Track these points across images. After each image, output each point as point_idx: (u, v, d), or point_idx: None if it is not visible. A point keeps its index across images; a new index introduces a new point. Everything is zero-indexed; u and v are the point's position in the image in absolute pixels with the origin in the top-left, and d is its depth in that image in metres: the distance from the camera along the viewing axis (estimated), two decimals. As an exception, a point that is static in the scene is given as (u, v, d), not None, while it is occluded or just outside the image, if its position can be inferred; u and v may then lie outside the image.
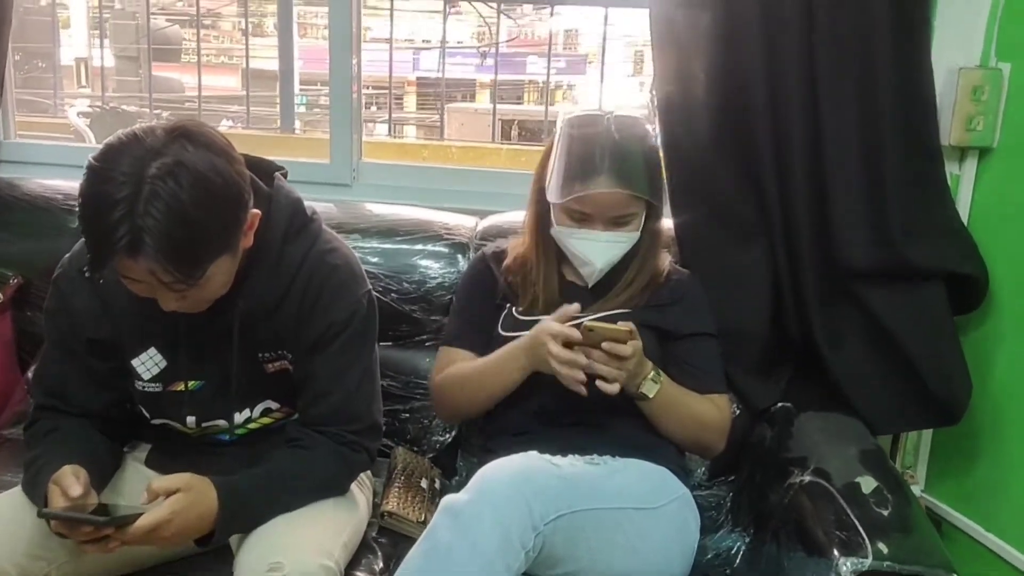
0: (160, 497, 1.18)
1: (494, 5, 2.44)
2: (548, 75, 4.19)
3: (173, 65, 5.64)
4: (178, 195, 1.08)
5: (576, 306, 1.43)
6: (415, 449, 1.77)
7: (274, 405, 1.42)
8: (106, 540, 1.14)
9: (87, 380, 1.35)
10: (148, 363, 1.33)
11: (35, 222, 1.93)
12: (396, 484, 1.59)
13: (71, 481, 1.16)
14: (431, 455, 1.77)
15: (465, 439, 1.78)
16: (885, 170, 1.62)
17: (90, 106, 2.90)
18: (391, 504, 1.53)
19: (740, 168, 1.68)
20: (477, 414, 1.58)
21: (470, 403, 1.56)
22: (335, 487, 1.38)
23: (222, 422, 1.39)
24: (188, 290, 1.15)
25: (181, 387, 1.35)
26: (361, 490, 1.49)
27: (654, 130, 1.58)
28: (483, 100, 7.35)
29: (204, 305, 1.24)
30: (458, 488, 1.62)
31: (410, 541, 1.46)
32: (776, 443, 1.60)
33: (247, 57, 3.13)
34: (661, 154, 1.57)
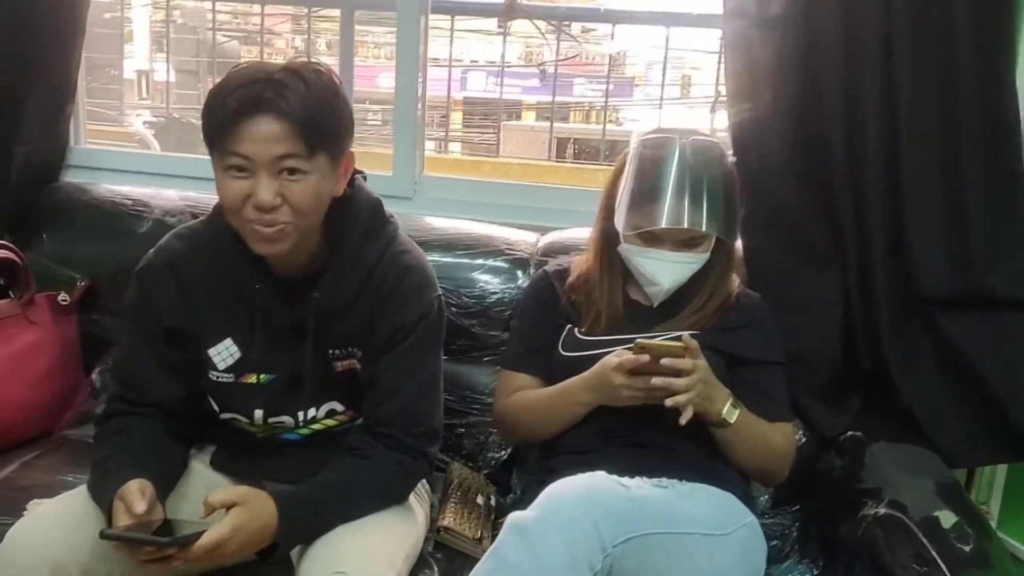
0: (218, 511, 1.17)
1: (552, 24, 2.44)
2: (607, 94, 4.19)
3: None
4: (310, 79, 1.19)
5: (645, 358, 1.38)
6: (470, 465, 1.76)
7: (339, 407, 1.42)
8: (169, 559, 1.13)
9: (163, 371, 1.36)
10: (223, 353, 1.35)
11: (103, 226, 1.97)
12: (452, 499, 1.58)
13: (136, 498, 1.16)
14: (486, 471, 1.76)
15: (521, 457, 1.76)
16: (965, 194, 1.57)
17: (154, 116, 2.96)
18: (447, 519, 1.51)
19: (813, 191, 1.65)
20: (541, 439, 1.57)
21: (534, 431, 1.55)
22: (394, 496, 1.38)
23: (288, 419, 1.39)
24: (290, 181, 1.18)
25: (252, 379, 1.35)
26: (419, 503, 1.48)
27: (731, 155, 1.55)
28: (529, 119, 7.37)
29: (287, 237, 1.23)
30: (513, 506, 1.62)
31: (465, 557, 1.46)
32: (847, 473, 1.55)
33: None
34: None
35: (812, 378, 1.63)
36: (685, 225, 1.42)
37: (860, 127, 1.59)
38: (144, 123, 2.89)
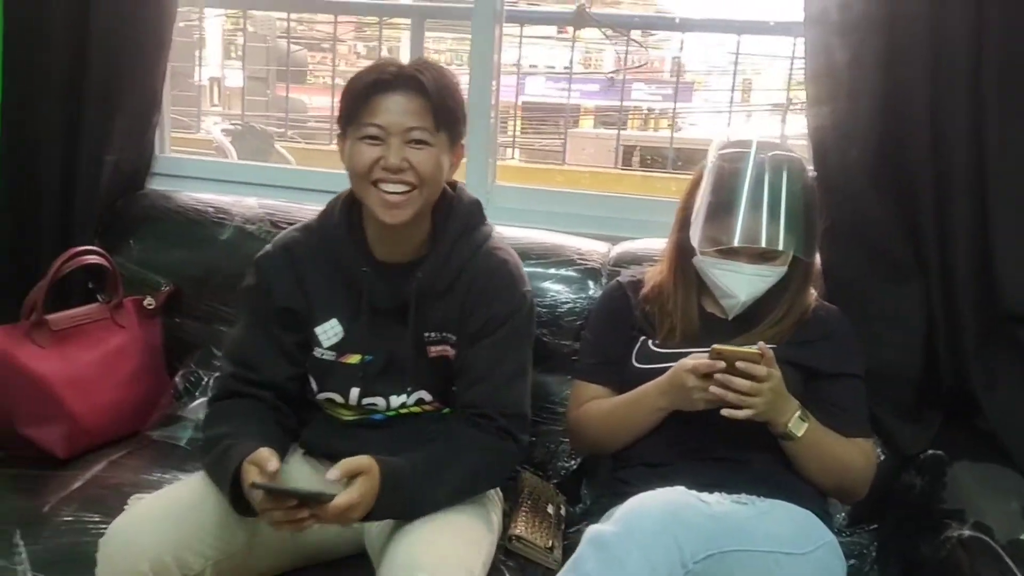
0: (343, 478, 1.25)
1: (620, 31, 2.43)
2: (675, 100, 4.14)
3: (297, 86, 5.86)
4: (439, 69, 1.36)
5: (721, 363, 1.37)
6: (540, 474, 1.76)
7: (427, 397, 1.47)
8: (300, 520, 1.22)
9: (274, 351, 1.45)
10: (328, 332, 1.44)
11: (186, 233, 2.02)
12: (523, 508, 1.59)
13: (270, 457, 1.24)
14: (556, 481, 1.76)
15: (592, 467, 1.76)
16: (1057, 208, 1.53)
17: (231, 124, 3.04)
18: (519, 528, 1.52)
19: (896, 203, 1.62)
20: (615, 450, 1.56)
21: (607, 441, 1.55)
22: (489, 476, 1.44)
23: (381, 401, 1.46)
24: (416, 151, 1.33)
25: (353, 360, 1.45)
26: (494, 510, 1.50)
27: (811, 169, 1.54)
28: (586, 125, 7.35)
29: (410, 203, 1.35)
30: (584, 516, 1.62)
31: (535, 566, 1.47)
32: (927, 492, 1.52)
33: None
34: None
35: (892, 394, 1.60)
36: (762, 244, 1.41)
37: (945, 139, 1.55)
38: (221, 131, 2.98)
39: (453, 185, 1.49)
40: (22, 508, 1.54)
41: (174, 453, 1.78)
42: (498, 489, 1.54)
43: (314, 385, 1.47)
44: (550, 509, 1.62)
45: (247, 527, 1.34)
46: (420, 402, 1.48)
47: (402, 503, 1.31)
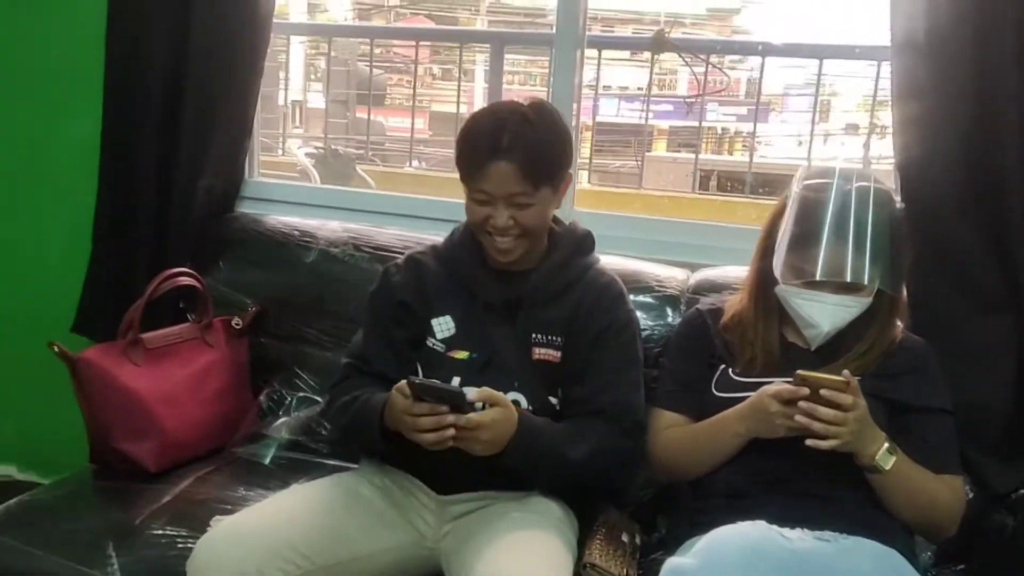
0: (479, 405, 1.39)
1: (700, 57, 2.42)
2: (755, 124, 4.09)
3: (376, 109, 6.00)
4: (538, 123, 1.47)
5: (805, 390, 1.35)
6: (616, 502, 1.75)
7: (523, 401, 1.52)
8: (444, 428, 1.35)
9: (386, 347, 1.60)
10: (443, 326, 1.57)
11: (273, 255, 2.08)
12: (598, 536, 1.57)
13: (405, 389, 1.38)
14: (631, 509, 1.75)
15: (668, 496, 1.75)
16: None
17: (315, 147, 3.14)
18: (594, 555, 1.51)
19: (986, 234, 1.58)
20: (692, 478, 1.55)
21: (685, 468, 1.54)
22: (605, 466, 1.51)
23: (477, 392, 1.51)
24: (519, 210, 1.46)
25: (460, 355, 1.55)
26: (571, 534, 1.51)
27: (899, 201, 1.51)
28: (659, 147, 7.31)
29: (519, 245, 1.50)
30: (659, 546, 1.61)
31: (610, 595, 1.46)
32: (1018, 533, 1.47)
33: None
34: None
35: (982, 430, 1.56)
36: (847, 278, 1.39)
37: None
38: (305, 154, 3.08)
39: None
40: (115, 520, 1.60)
41: (258, 470, 1.83)
42: (572, 514, 1.55)
43: (421, 373, 1.55)
44: (625, 537, 1.61)
45: (327, 546, 1.39)
46: (515, 405, 1.48)
47: (535, 454, 1.43)
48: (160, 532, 1.56)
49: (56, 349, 1.74)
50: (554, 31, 2.12)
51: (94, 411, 1.78)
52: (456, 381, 1.52)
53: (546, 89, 2.21)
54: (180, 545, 1.52)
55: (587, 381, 1.52)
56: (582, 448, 1.46)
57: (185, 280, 1.92)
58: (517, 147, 1.44)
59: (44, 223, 2.43)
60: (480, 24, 8.90)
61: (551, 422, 1.49)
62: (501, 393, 1.43)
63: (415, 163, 5.17)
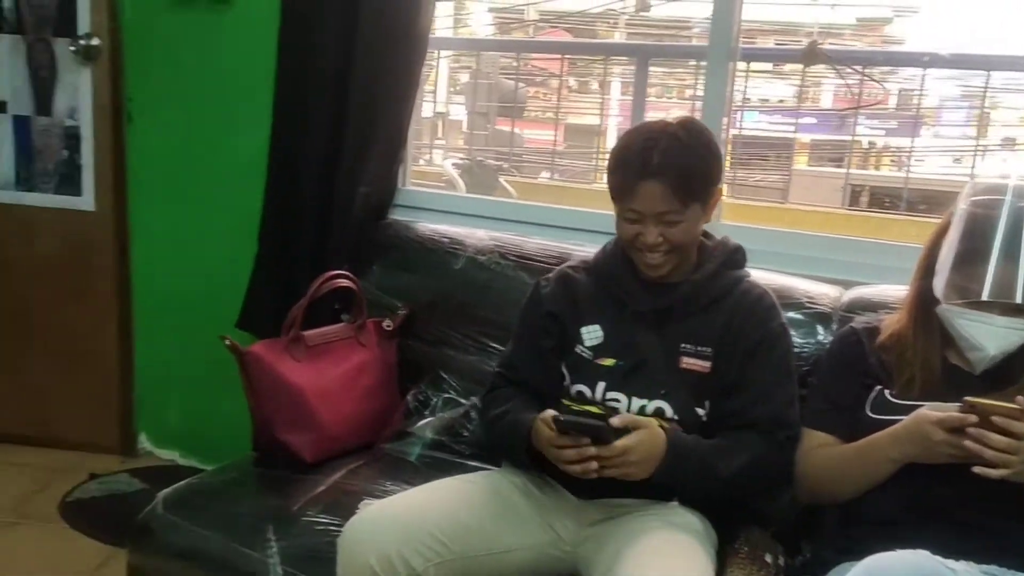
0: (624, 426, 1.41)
1: (854, 69, 2.35)
2: (912, 138, 3.89)
3: (516, 122, 6.09)
4: (688, 141, 1.48)
5: (973, 418, 1.29)
6: (758, 521, 1.72)
7: (668, 411, 1.52)
8: (587, 460, 1.39)
9: (534, 357, 1.65)
10: (591, 333, 1.59)
11: (423, 261, 2.16)
12: (740, 554, 1.55)
13: (550, 416, 1.43)
14: (773, 528, 1.71)
15: (812, 519, 1.70)
16: None
17: (461, 158, 3.24)
18: (736, 574, 1.49)
19: None
20: (839, 500, 1.51)
21: (832, 490, 1.50)
22: (758, 474, 1.50)
23: (623, 398, 1.54)
24: (668, 227, 1.48)
25: (607, 362, 1.56)
26: (708, 548, 1.49)
27: None
28: (801, 161, 7.08)
29: (669, 260, 1.52)
30: (802, 569, 1.56)
31: (752, 616, 1.43)
32: None
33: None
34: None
35: None
36: (1017, 300, 1.31)
37: None
38: (452, 164, 3.18)
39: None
40: (274, 506, 1.70)
41: (404, 467, 1.90)
42: (711, 527, 1.54)
43: (568, 378, 1.60)
44: (768, 558, 1.57)
45: (464, 537, 1.45)
46: (659, 414, 1.51)
47: (685, 471, 1.44)
48: (315, 520, 1.64)
49: (228, 342, 1.86)
50: (705, 44, 2.11)
51: (259, 402, 1.89)
52: (601, 387, 1.54)
53: (686, 101, 2.20)
54: (333, 533, 1.58)
55: (740, 393, 1.51)
56: (734, 462, 1.46)
57: (343, 282, 2.01)
58: (667, 167, 1.45)
59: (214, 224, 2.61)
60: (619, 37, 8.88)
61: (700, 438, 1.49)
62: (644, 417, 1.45)
63: (547, 175, 5.21)
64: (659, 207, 1.47)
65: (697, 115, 2.13)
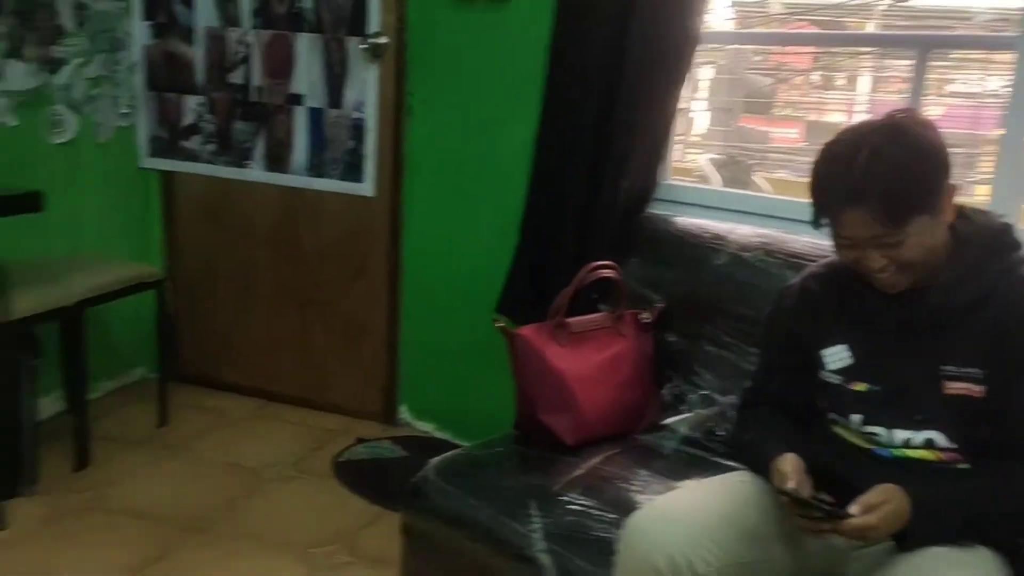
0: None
1: None
2: None
3: (760, 118, 5.89)
4: (892, 152, 1.26)
5: None
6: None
7: (941, 440, 1.37)
8: (820, 531, 1.29)
9: (777, 369, 1.60)
10: (835, 356, 1.47)
11: (682, 255, 2.16)
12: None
13: (790, 469, 1.35)
14: None
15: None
16: None
17: (716, 154, 3.20)
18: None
19: None
20: None
21: None
22: None
23: (882, 432, 1.41)
24: (890, 249, 1.29)
25: (859, 387, 1.44)
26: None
27: None
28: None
29: (904, 277, 1.33)
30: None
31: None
32: None
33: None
34: None
35: None
36: None
37: None
38: (708, 159, 3.16)
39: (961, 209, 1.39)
40: (537, 485, 1.76)
41: (659, 459, 1.91)
42: (1001, 557, 1.39)
43: (820, 402, 1.51)
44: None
45: (740, 540, 1.40)
46: (930, 445, 1.38)
47: (947, 531, 1.29)
48: (573, 500, 1.69)
49: (499, 325, 1.95)
50: (1014, 33, 1.96)
51: (524, 384, 1.97)
52: (856, 420, 1.43)
53: (937, 97, 2.03)
54: (592, 515, 1.64)
55: (1010, 415, 1.32)
56: (1012, 499, 1.31)
57: (606, 272, 2.05)
58: (869, 189, 1.25)
59: (480, 214, 2.75)
60: (870, 28, 8.32)
61: (956, 486, 1.33)
62: (888, 487, 1.28)
63: (783, 172, 5.01)
64: (870, 232, 1.28)
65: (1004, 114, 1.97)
